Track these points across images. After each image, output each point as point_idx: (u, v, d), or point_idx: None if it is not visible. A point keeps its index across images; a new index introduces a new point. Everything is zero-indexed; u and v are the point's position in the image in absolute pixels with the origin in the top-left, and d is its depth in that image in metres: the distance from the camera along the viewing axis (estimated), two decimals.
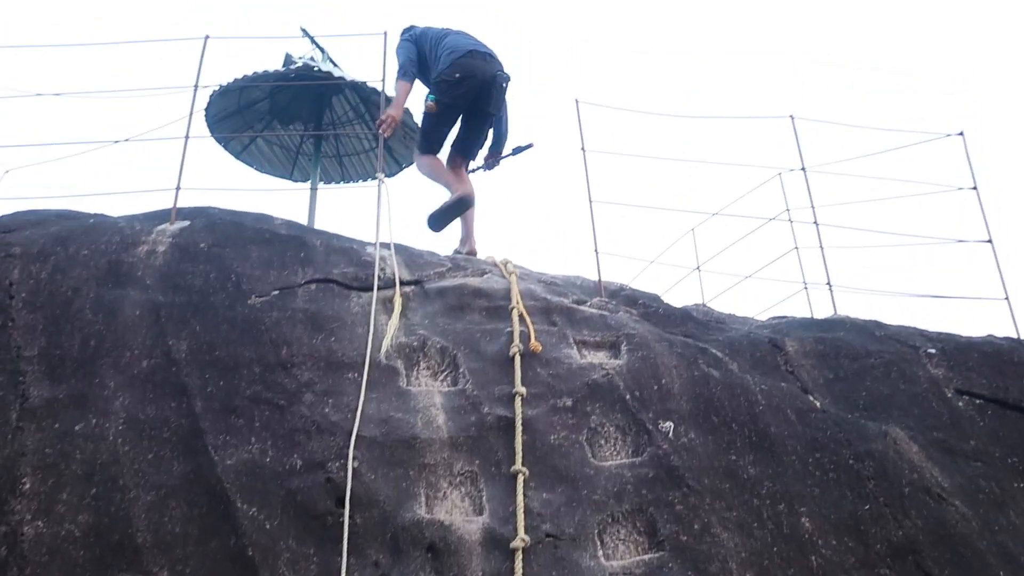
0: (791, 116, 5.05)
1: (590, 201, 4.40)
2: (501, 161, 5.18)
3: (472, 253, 4.78)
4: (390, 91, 4.94)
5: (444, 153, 5.02)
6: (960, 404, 3.61)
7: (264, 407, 3.12)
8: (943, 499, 3.18)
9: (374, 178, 4.42)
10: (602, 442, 3.22)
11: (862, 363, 3.75)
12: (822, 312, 4.83)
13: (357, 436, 3.02)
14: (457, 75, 4.67)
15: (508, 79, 4.84)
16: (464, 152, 4.97)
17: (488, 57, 4.78)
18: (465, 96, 4.72)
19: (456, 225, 4.94)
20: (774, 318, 4.44)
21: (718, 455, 3.19)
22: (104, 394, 3.11)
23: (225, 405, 3.12)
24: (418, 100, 5.00)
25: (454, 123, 4.91)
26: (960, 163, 5.02)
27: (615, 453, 3.20)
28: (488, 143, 5.12)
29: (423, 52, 4.90)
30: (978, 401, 3.64)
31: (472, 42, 4.84)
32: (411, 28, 5.09)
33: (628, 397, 3.32)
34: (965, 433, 3.49)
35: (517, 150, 5.17)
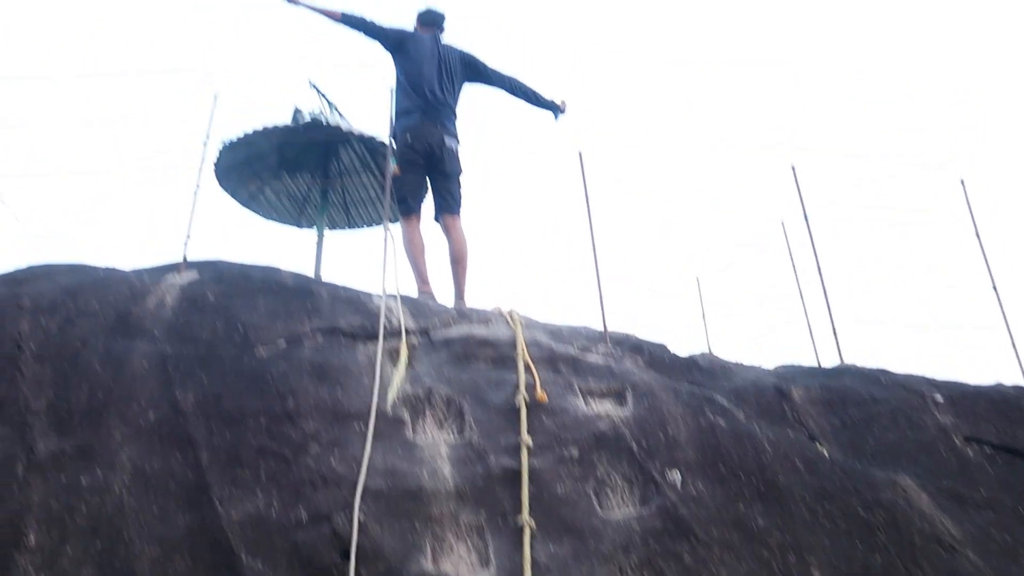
0: (792, 167, 5.12)
1: (594, 250, 4.44)
2: (565, 106, 5.52)
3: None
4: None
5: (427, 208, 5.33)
6: (969, 452, 3.59)
7: (270, 459, 3.12)
8: (955, 549, 3.14)
9: (379, 224, 4.49)
10: (609, 493, 3.20)
11: (869, 411, 3.74)
12: (828, 358, 4.82)
13: (363, 488, 3.01)
14: (409, 138, 5.18)
15: (456, 144, 5.31)
16: (447, 209, 5.30)
17: (439, 124, 5.24)
18: (420, 154, 5.18)
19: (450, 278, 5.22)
20: (780, 366, 4.44)
21: (726, 505, 3.17)
22: (111, 446, 3.11)
23: (231, 457, 3.11)
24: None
25: (422, 176, 5.27)
26: (960, 201, 5.06)
27: (622, 504, 3.17)
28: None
29: (388, 43, 5.35)
30: (987, 449, 3.61)
31: (422, 104, 5.21)
32: (404, 29, 5.48)
33: (634, 447, 3.30)
34: (975, 481, 3.46)
35: (556, 113, 5.54)
